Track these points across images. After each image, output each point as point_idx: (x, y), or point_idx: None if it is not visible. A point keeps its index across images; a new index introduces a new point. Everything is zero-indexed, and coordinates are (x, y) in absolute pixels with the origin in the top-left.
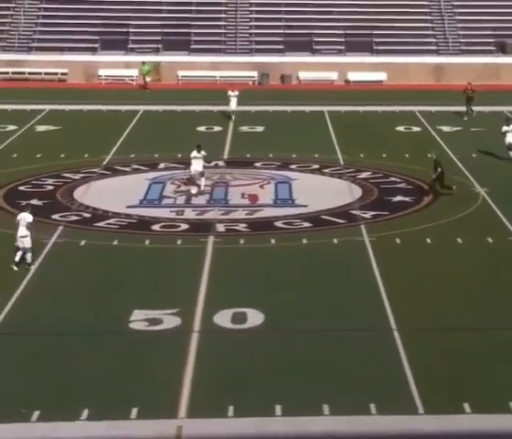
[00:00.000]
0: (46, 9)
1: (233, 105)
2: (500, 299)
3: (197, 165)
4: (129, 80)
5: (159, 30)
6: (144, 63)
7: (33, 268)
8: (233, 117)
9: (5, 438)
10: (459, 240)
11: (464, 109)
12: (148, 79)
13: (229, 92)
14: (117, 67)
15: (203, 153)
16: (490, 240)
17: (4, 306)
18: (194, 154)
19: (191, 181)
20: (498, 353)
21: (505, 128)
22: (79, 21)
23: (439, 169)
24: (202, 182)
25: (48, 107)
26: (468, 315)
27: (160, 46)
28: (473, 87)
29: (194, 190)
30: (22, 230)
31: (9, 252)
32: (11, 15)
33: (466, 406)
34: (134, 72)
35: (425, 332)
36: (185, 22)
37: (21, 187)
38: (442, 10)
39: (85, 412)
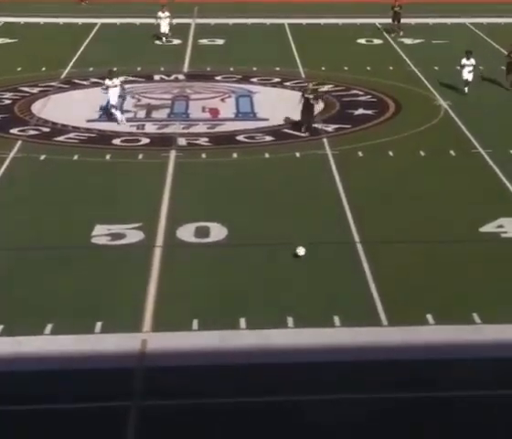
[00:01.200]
0: None
1: (164, 27)
2: (462, 211)
3: (112, 95)
4: None
5: None
6: None
7: None
8: (164, 40)
9: None
10: (421, 153)
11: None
12: None
13: (159, 13)
14: None
15: (116, 81)
16: (453, 152)
17: None
18: (107, 82)
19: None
20: (461, 265)
21: (464, 61)
22: None
23: None
24: (118, 116)
25: (2, 20)
26: (431, 227)
27: None
28: (400, 2)
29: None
30: None
31: None
32: None
33: (430, 317)
34: None
35: (388, 245)
36: None
37: None
38: None
39: (49, 327)
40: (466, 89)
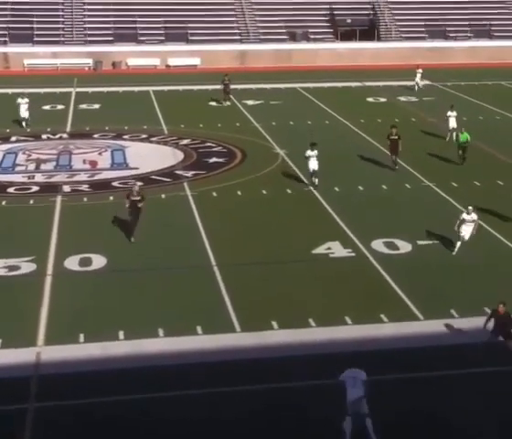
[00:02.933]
0: None
1: (24, 113)
2: (296, 237)
3: None
4: None
5: (5, 25)
6: None
7: None
8: (24, 124)
9: None
10: (264, 192)
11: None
12: None
13: (19, 100)
14: None
15: None
16: (289, 190)
17: None
18: None
19: None
20: (295, 280)
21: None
22: None
23: None
24: None
25: None
26: (272, 249)
27: (7, 39)
28: (230, 79)
29: None
30: None
31: None
32: None
33: (274, 323)
34: None
35: (240, 266)
36: (27, 18)
37: None
38: (244, 6)
39: None
40: (316, 180)
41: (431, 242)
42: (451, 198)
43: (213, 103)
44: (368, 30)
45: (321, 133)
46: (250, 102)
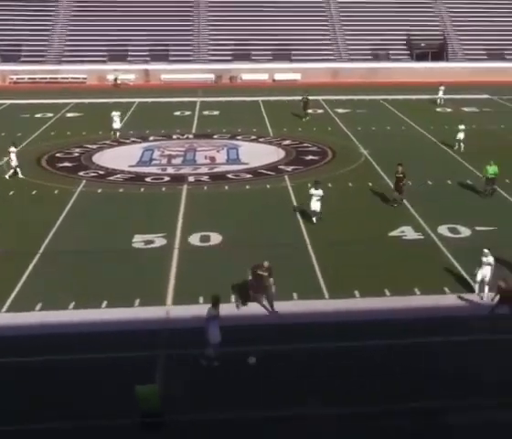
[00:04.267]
0: (71, 35)
1: (116, 124)
2: (376, 221)
3: None
4: (127, 82)
5: (147, 48)
6: (115, 70)
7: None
8: (117, 135)
9: None
10: (350, 184)
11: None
12: (119, 81)
13: (113, 113)
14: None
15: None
16: (370, 183)
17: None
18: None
19: None
20: (374, 257)
21: (312, 191)
22: (93, 42)
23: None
24: None
25: (73, 101)
26: (355, 231)
27: (148, 58)
28: (308, 96)
29: None
30: None
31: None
32: (47, 39)
33: (356, 292)
34: (132, 76)
35: (329, 244)
36: (164, 42)
37: (58, 154)
38: (336, 32)
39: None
40: (314, 219)
41: (487, 229)
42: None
43: (310, 111)
44: (439, 52)
45: (398, 137)
46: (340, 110)
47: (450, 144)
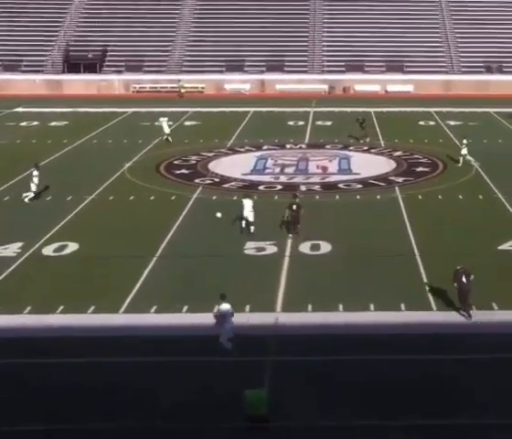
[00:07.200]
0: (191, 46)
1: (166, 129)
2: (485, 234)
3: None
4: (243, 91)
5: (263, 58)
6: (179, 80)
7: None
8: (170, 139)
9: None
10: (460, 197)
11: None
12: (183, 90)
13: (161, 118)
14: (235, 82)
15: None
16: (481, 196)
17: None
18: None
19: None
20: (483, 270)
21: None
22: (211, 52)
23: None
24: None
25: (192, 109)
26: (464, 243)
27: (264, 68)
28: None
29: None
30: None
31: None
32: (169, 50)
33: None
34: (247, 86)
35: (436, 255)
36: (280, 52)
37: (175, 162)
38: (450, 44)
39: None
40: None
41: None
42: None
43: (421, 123)
44: None
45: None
46: (451, 123)
47: None
